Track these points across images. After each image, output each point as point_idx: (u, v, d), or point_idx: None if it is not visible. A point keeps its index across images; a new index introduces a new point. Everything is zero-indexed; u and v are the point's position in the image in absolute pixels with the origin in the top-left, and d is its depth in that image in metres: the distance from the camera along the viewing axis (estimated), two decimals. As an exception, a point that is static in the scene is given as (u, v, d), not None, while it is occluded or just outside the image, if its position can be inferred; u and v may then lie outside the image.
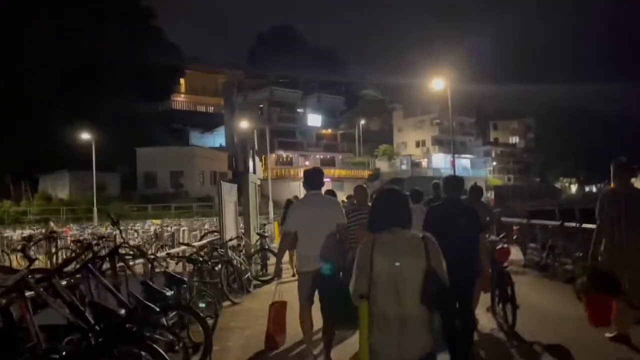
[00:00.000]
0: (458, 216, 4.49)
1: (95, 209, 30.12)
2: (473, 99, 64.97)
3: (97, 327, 3.21)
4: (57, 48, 36.73)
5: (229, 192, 9.42)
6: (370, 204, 5.93)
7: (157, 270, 5.71)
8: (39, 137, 36.28)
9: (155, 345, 3.21)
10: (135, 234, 14.99)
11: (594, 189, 77.81)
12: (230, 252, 8.58)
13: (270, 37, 79.79)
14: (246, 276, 9.12)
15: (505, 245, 6.58)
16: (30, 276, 3.20)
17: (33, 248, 10.90)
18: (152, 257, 5.55)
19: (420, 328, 2.75)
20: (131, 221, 28.16)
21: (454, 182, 4.89)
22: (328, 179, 52.33)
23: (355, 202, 6.31)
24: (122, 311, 3.62)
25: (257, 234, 10.68)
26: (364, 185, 7.15)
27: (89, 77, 40.68)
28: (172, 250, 7.33)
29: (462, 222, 4.43)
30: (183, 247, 7.78)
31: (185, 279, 6.03)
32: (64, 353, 2.99)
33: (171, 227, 15.53)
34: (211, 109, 65.24)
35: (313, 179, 4.98)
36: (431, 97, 66.81)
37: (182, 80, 66.07)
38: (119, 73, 44.22)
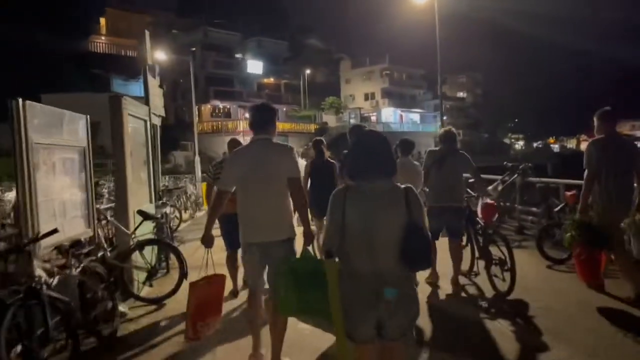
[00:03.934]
0: None
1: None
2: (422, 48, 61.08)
3: None
4: None
5: (53, 127, 4.24)
6: None
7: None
8: None
9: None
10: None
11: (541, 146, 77.94)
12: (40, 268, 3.62)
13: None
14: (109, 306, 4.27)
15: (491, 201, 5.78)
16: None
17: None
18: None
19: (397, 286, 2.45)
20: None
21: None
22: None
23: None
24: None
25: (140, 213, 5.64)
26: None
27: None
28: None
29: None
30: None
31: None
32: None
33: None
34: (137, 54, 57.51)
35: (260, 117, 3.73)
36: (381, 46, 62.25)
37: (102, 20, 57.80)
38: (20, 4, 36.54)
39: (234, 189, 3.70)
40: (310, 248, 3.52)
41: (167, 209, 7.16)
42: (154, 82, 7.89)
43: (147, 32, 7.30)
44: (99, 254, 5.25)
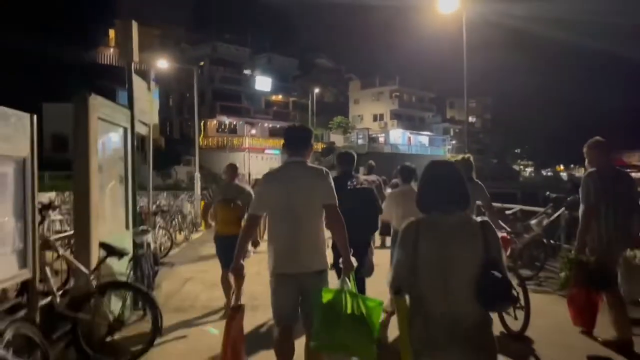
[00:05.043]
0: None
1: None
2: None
3: None
4: None
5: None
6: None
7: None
8: None
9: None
10: None
11: (549, 173, 76.82)
12: None
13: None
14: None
15: (506, 234, 5.58)
16: None
17: None
18: None
19: (473, 329, 2.24)
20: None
21: (346, 156, 5.06)
22: (270, 152, 46.37)
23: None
24: None
25: (103, 246, 4.33)
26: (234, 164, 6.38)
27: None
28: None
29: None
30: None
31: None
32: None
33: None
34: (145, 67, 56.88)
35: (295, 139, 3.54)
36: (391, 67, 61.57)
37: (112, 32, 57.37)
38: (29, 12, 35.97)
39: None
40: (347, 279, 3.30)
41: (149, 237, 5.90)
42: (141, 84, 6.72)
43: (134, 23, 6.10)
44: (45, 301, 3.98)
